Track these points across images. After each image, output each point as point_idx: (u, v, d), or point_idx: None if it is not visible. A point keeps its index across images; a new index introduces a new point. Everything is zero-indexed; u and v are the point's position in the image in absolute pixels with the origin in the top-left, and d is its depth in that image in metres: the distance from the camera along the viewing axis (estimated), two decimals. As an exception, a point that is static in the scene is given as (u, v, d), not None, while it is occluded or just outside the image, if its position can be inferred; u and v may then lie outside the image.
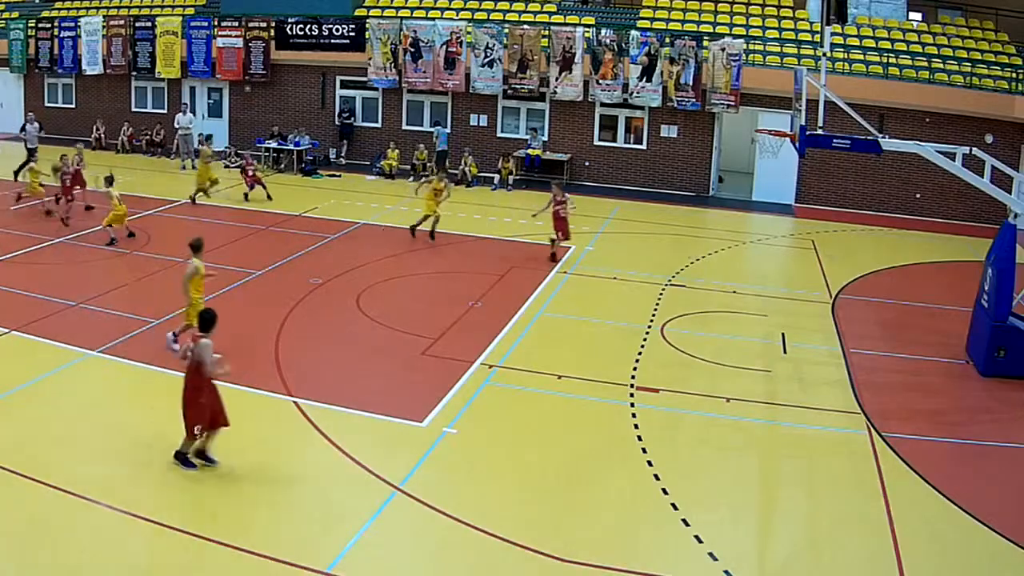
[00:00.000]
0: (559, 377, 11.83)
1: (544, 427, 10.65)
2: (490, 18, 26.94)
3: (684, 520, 8.61)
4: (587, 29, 24.81)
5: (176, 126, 26.84)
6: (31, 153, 23.68)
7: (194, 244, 11.92)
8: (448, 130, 26.06)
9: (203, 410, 9.06)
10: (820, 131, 13.58)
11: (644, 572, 7.80)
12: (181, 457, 9.23)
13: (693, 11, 27.00)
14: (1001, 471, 10.14)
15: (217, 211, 20.87)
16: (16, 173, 22.75)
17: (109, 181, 17.06)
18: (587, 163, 25.93)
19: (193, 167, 25.93)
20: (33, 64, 30.97)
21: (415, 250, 18.10)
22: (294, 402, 10.79)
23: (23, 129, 25.16)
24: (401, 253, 17.85)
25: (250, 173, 22.03)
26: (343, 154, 27.67)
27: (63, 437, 9.73)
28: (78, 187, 19.44)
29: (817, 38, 23.19)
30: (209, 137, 24.12)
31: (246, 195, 21.84)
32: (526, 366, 12.23)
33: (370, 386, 11.44)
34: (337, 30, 26.81)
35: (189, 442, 9.20)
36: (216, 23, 28.11)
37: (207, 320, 9.26)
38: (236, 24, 27.80)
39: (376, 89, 27.06)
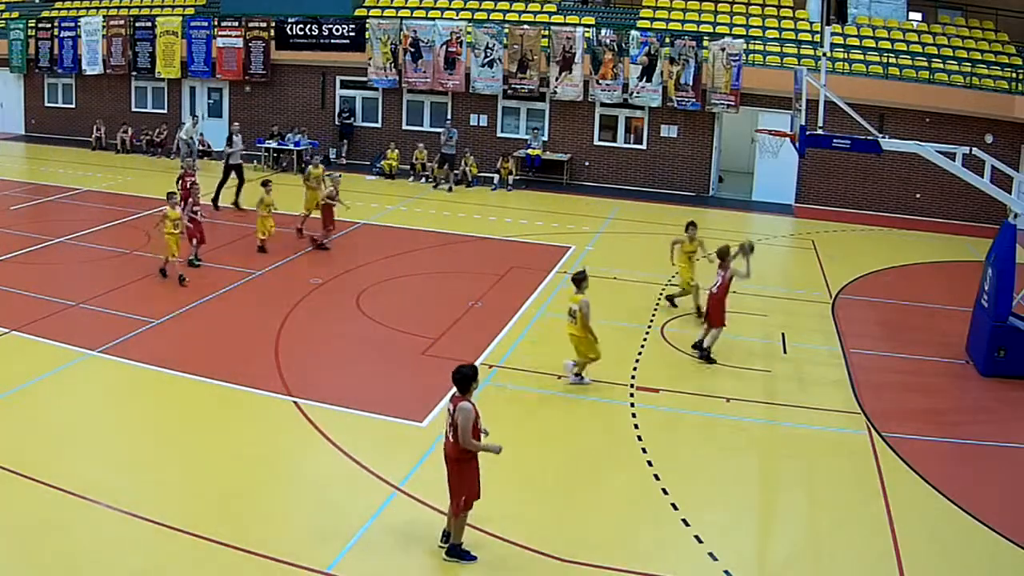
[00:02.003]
0: (559, 377, 11.82)
1: (544, 427, 10.65)
2: (490, 18, 26.92)
3: (684, 520, 8.61)
4: (587, 29, 24.79)
5: (182, 130, 26.49)
6: (237, 172, 20.73)
7: (577, 277, 11.42)
8: (456, 130, 25.66)
9: (472, 481, 7.74)
10: (820, 131, 13.57)
11: (644, 572, 7.80)
12: (456, 551, 7.80)
13: (693, 11, 26.99)
14: (1001, 471, 10.14)
15: (216, 211, 20.84)
16: (236, 202, 20.59)
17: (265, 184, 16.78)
18: (587, 163, 25.92)
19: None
20: (33, 64, 30.96)
21: (415, 250, 18.09)
22: (294, 402, 10.79)
23: (229, 142, 21.10)
24: (401, 253, 17.85)
25: (187, 184, 17.29)
26: (343, 154, 27.65)
27: (63, 437, 9.73)
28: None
29: (817, 38, 23.17)
30: (325, 159, 23.09)
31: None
32: (526, 366, 12.24)
33: (370, 386, 11.44)
34: (337, 30, 26.81)
35: (459, 523, 7.78)
36: (216, 23, 28.10)
37: (464, 379, 7.56)
38: (236, 24, 27.79)
39: (376, 89, 27.07)
